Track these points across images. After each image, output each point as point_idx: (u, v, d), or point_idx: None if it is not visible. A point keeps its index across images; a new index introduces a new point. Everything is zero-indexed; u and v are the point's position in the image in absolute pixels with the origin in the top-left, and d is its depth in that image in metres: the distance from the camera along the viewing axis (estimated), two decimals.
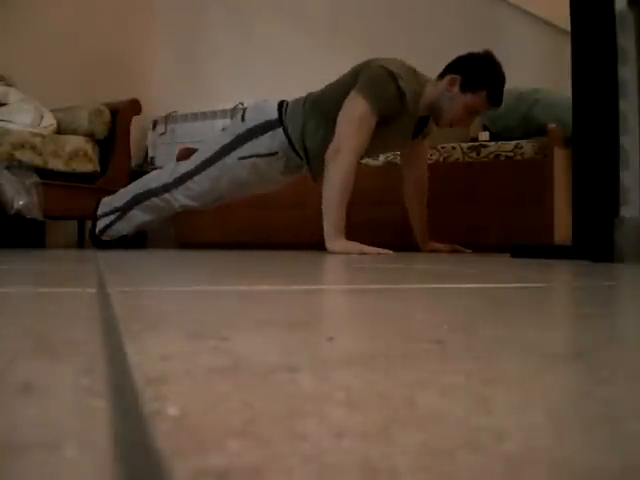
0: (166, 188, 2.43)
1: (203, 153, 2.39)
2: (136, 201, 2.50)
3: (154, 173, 2.58)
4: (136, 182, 2.59)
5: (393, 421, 0.18)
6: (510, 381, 0.24)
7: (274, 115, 2.27)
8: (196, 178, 2.37)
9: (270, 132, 2.26)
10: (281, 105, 2.30)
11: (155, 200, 2.46)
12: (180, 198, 2.42)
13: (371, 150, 2.21)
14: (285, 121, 2.25)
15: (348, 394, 0.21)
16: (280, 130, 2.25)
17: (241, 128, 2.31)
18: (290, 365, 0.25)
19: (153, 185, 2.47)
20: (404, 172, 2.41)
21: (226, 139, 2.34)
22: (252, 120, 2.30)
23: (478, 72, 2.13)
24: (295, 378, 0.23)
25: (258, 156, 2.28)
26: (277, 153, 2.27)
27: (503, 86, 2.15)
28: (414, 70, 2.21)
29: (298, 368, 0.25)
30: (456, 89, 2.12)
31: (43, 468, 0.14)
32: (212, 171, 2.34)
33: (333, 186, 2.05)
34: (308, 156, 2.25)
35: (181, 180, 2.40)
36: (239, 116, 2.38)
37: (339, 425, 0.17)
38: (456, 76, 2.13)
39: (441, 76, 2.18)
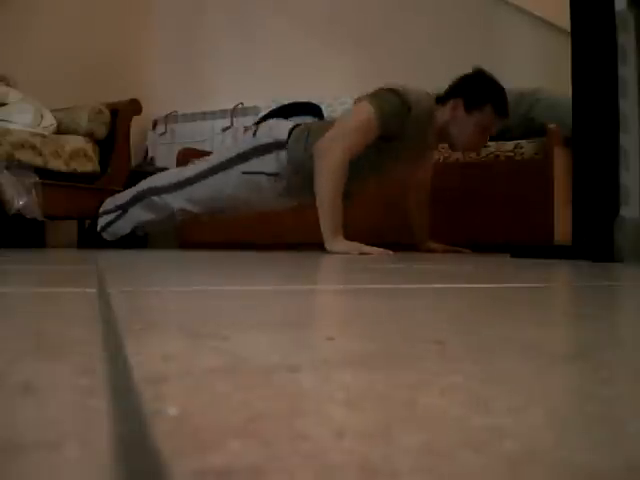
0: (168, 189, 2.44)
1: (210, 161, 2.41)
2: (137, 198, 2.53)
3: (158, 175, 2.61)
4: (140, 182, 2.62)
5: (393, 421, 0.18)
6: (510, 381, 0.24)
7: (284, 136, 2.27)
8: (199, 184, 2.39)
9: (275, 152, 2.26)
10: (294, 128, 2.30)
11: (155, 199, 2.47)
12: (180, 201, 2.43)
13: (377, 171, 2.19)
14: (289, 144, 2.25)
15: (348, 394, 0.21)
16: (284, 152, 2.25)
17: (250, 143, 2.32)
18: (290, 365, 0.25)
19: (156, 185, 2.49)
20: (407, 177, 2.42)
21: (234, 151, 2.35)
22: (262, 137, 2.30)
23: (477, 89, 2.13)
24: (295, 378, 0.23)
25: (261, 174, 2.29)
26: (279, 174, 2.27)
27: (505, 96, 2.15)
28: (427, 93, 2.20)
29: (298, 368, 0.25)
30: (461, 112, 2.12)
31: (43, 468, 0.14)
32: (215, 180, 2.36)
33: (324, 187, 2.05)
34: (306, 180, 2.25)
35: (184, 184, 2.42)
36: (251, 131, 2.38)
37: (339, 425, 0.17)
38: (457, 99, 2.13)
39: (441, 102, 2.17)
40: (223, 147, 2.48)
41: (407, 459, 0.15)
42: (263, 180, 2.29)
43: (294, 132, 2.27)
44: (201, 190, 2.38)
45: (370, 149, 2.11)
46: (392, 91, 2.10)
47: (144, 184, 2.55)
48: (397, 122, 2.07)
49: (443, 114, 2.15)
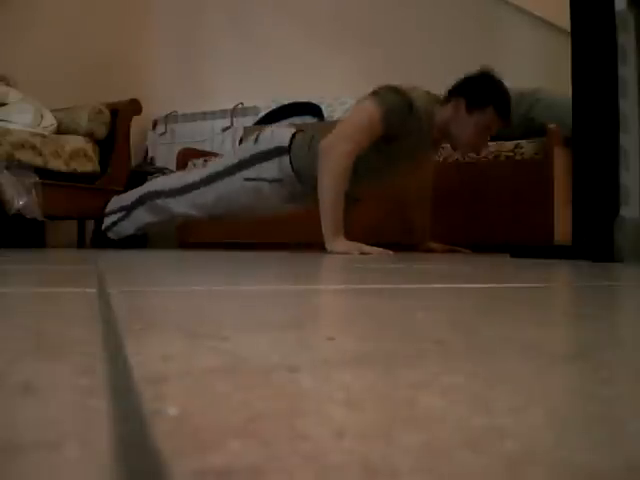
0: (171, 193, 2.47)
1: (213, 167, 2.42)
2: (141, 201, 2.56)
3: (162, 178, 2.65)
4: (145, 184, 2.66)
5: (393, 421, 0.18)
6: (510, 381, 0.24)
7: (285, 142, 2.27)
8: (201, 190, 2.40)
9: (277, 158, 2.26)
10: (295, 134, 2.30)
11: (159, 202, 2.51)
12: (183, 205, 2.46)
13: (379, 174, 2.19)
14: (292, 150, 2.25)
15: (348, 394, 0.21)
16: (287, 158, 2.25)
17: (252, 150, 2.32)
18: (290, 365, 0.25)
19: (159, 188, 2.52)
20: (408, 177, 2.42)
21: (236, 158, 2.36)
22: (264, 144, 2.30)
23: (480, 90, 2.12)
24: (295, 378, 0.23)
25: (263, 180, 2.29)
26: (282, 180, 2.28)
27: (509, 100, 2.14)
28: (427, 92, 2.20)
29: (298, 368, 0.25)
30: (462, 112, 2.12)
31: (43, 468, 0.14)
32: (217, 187, 2.37)
33: (326, 187, 2.05)
34: (310, 186, 2.25)
35: (187, 189, 2.44)
36: (252, 138, 2.38)
37: (339, 425, 0.17)
38: (460, 99, 2.13)
39: (443, 101, 2.17)
40: (225, 153, 2.48)
41: (407, 459, 0.15)
42: (265, 187, 2.30)
43: (296, 138, 2.27)
44: (204, 196, 2.40)
45: (371, 152, 2.10)
46: (393, 89, 2.10)
47: (147, 187, 2.59)
48: (399, 120, 2.07)
49: (444, 113, 2.15)
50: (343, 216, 2.05)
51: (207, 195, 2.39)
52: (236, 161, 2.34)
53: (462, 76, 2.17)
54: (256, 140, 2.33)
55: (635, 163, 1.67)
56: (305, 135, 2.27)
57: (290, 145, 2.26)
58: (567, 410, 0.20)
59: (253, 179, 2.30)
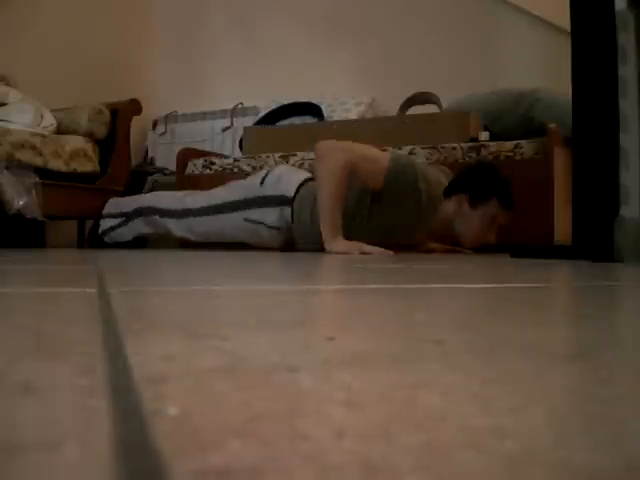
0: (170, 214, 2.49)
1: (214, 198, 2.42)
2: (140, 213, 2.57)
3: (163, 194, 2.65)
4: (147, 194, 2.69)
5: (393, 421, 0.18)
6: (510, 381, 0.24)
7: (291, 193, 2.28)
8: (200, 219, 2.42)
9: (280, 207, 2.28)
10: (302, 184, 2.30)
11: (156, 218, 2.53)
12: (180, 229, 2.48)
13: (374, 231, 2.17)
14: (296, 200, 2.26)
15: (348, 394, 0.21)
16: (289, 209, 2.27)
17: (256, 192, 2.33)
18: (290, 365, 0.25)
19: (159, 206, 2.53)
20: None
21: (239, 195, 2.36)
22: (269, 189, 2.31)
23: (482, 183, 2.13)
24: (295, 378, 0.23)
25: (263, 224, 2.30)
26: (280, 228, 2.29)
27: (510, 189, 2.16)
28: (441, 181, 2.20)
29: (298, 368, 0.25)
30: (466, 207, 2.13)
31: (43, 468, 0.14)
32: (216, 220, 2.39)
33: (324, 188, 2.04)
34: (301, 233, 2.25)
35: (185, 213, 2.45)
36: (259, 177, 2.38)
37: (339, 425, 0.17)
38: (462, 195, 2.14)
39: (446, 195, 2.17)
40: (228, 187, 2.46)
41: (407, 459, 0.15)
42: (263, 230, 2.32)
43: (301, 190, 2.27)
44: (201, 225, 2.42)
45: (365, 207, 2.12)
46: (412, 167, 2.09)
47: (147, 201, 2.60)
48: (399, 191, 2.07)
49: (448, 208, 2.16)
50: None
51: (205, 225, 2.42)
52: (238, 199, 2.35)
53: (461, 171, 2.19)
54: (262, 182, 2.33)
55: (635, 163, 1.67)
56: (309, 190, 2.26)
57: (295, 195, 2.26)
58: (567, 410, 0.20)
59: (253, 221, 2.31)
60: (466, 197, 2.13)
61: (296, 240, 2.31)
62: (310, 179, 2.31)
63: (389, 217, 2.14)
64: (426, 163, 2.22)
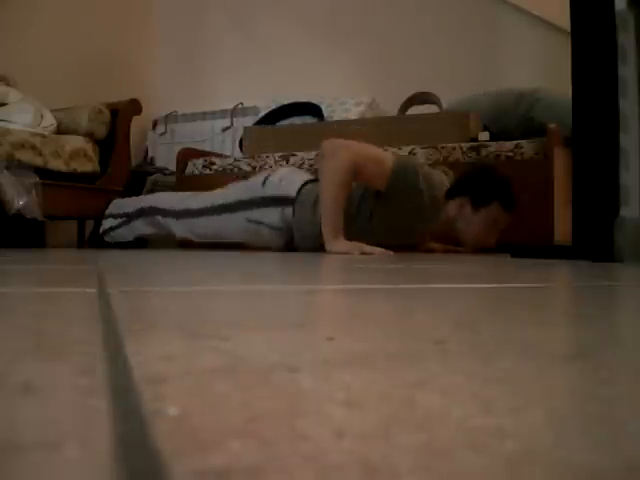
0: (172, 214, 2.49)
1: (216, 198, 2.42)
2: (141, 213, 2.58)
3: (166, 195, 2.66)
4: (149, 196, 2.69)
5: (393, 421, 0.18)
6: (510, 381, 0.24)
7: (292, 193, 2.28)
8: (201, 219, 2.42)
9: (281, 207, 2.28)
10: (304, 185, 2.30)
11: (158, 218, 2.54)
12: (181, 229, 2.48)
13: (375, 231, 2.17)
14: (297, 203, 2.26)
15: (348, 394, 0.21)
16: (290, 210, 2.27)
17: (259, 192, 2.33)
18: (290, 365, 0.25)
19: (161, 206, 2.54)
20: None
21: (241, 195, 2.36)
22: (271, 189, 2.31)
23: (484, 187, 2.14)
24: (295, 378, 0.23)
25: (264, 224, 2.31)
26: (281, 229, 2.29)
27: (511, 191, 2.16)
28: (444, 182, 2.21)
29: (298, 368, 0.25)
30: (468, 210, 2.14)
31: (43, 468, 0.14)
32: (218, 220, 2.38)
33: (327, 187, 2.05)
34: (301, 235, 2.25)
35: (187, 214, 2.46)
36: (261, 178, 2.38)
37: (339, 425, 0.17)
38: (464, 198, 2.14)
39: (448, 197, 2.18)
40: (230, 187, 2.46)
41: (407, 459, 0.15)
42: (265, 230, 2.32)
43: (303, 191, 2.27)
44: (203, 225, 2.42)
45: (369, 206, 2.12)
46: (415, 168, 2.10)
47: (149, 201, 2.61)
48: (402, 192, 2.07)
49: (450, 210, 2.17)
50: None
51: (206, 225, 2.42)
52: (240, 199, 2.35)
53: (464, 174, 2.19)
54: (264, 183, 2.33)
55: (635, 163, 1.67)
56: (311, 191, 2.26)
57: (297, 196, 2.26)
58: (567, 410, 0.20)
59: (255, 221, 2.32)
60: (468, 200, 2.14)
61: (296, 240, 2.31)
62: (312, 181, 2.31)
63: (391, 218, 2.14)
64: (428, 165, 2.22)
